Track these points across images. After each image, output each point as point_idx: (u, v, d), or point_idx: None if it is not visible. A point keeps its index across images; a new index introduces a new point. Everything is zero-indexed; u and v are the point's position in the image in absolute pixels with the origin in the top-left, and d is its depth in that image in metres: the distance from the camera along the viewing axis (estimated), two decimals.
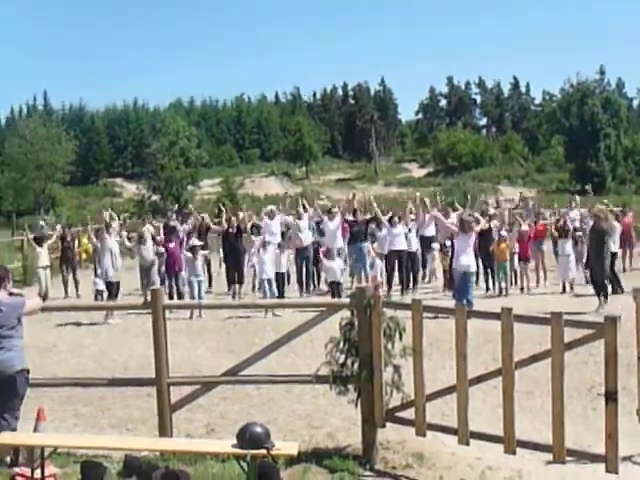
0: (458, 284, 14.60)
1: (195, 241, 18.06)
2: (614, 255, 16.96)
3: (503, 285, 17.22)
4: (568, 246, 17.51)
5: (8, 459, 6.57)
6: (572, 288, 17.19)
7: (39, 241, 19.50)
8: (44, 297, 17.45)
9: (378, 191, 69.19)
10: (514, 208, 24.53)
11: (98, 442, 6.72)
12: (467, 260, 14.56)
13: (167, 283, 17.44)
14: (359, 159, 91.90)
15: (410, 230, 17.86)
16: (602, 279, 14.78)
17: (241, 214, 19.14)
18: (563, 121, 69.02)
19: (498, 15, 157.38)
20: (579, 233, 18.19)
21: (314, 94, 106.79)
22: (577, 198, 22.56)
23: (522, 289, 17.56)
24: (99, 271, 17.55)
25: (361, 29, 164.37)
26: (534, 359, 6.29)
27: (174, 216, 21.56)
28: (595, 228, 15.09)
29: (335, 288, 16.52)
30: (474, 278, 15.48)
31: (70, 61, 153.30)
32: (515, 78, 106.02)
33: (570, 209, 21.43)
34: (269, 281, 16.55)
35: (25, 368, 6.59)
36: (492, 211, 19.42)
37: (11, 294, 6.69)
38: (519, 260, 17.71)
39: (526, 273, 17.69)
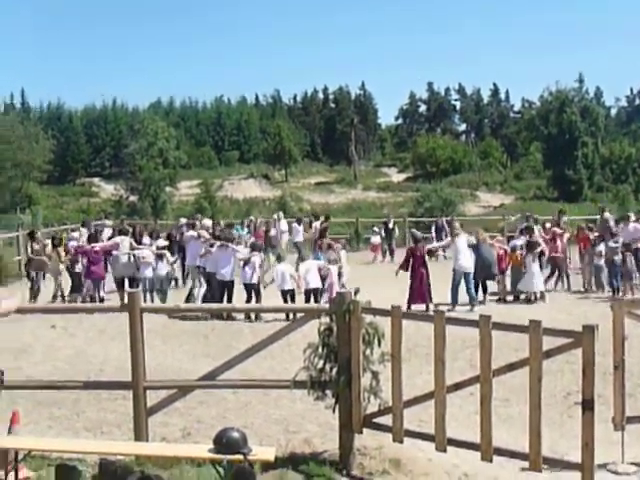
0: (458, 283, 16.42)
1: (161, 242, 17.94)
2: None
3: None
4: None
5: None
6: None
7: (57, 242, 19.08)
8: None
9: (357, 195, 69.27)
10: None
11: (73, 445, 6.66)
12: (466, 262, 16.44)
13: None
14: (338, 163, 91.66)
15: None
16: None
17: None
18: (542, 129, 69.22)
19: (479, 21, 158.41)
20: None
21: (294, 97, 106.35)
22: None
23: (499, 299, 17.57)
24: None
25: (342, 33, 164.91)
26: (512, 367, 6.30)
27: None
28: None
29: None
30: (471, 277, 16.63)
31: (48, 59, 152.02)
32: (495, 85, 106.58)
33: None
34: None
35: None
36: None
37: None
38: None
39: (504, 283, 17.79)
